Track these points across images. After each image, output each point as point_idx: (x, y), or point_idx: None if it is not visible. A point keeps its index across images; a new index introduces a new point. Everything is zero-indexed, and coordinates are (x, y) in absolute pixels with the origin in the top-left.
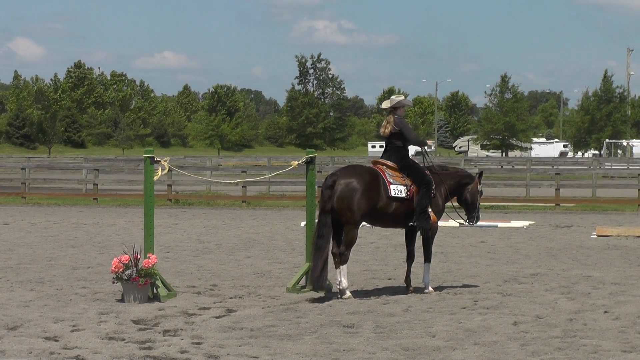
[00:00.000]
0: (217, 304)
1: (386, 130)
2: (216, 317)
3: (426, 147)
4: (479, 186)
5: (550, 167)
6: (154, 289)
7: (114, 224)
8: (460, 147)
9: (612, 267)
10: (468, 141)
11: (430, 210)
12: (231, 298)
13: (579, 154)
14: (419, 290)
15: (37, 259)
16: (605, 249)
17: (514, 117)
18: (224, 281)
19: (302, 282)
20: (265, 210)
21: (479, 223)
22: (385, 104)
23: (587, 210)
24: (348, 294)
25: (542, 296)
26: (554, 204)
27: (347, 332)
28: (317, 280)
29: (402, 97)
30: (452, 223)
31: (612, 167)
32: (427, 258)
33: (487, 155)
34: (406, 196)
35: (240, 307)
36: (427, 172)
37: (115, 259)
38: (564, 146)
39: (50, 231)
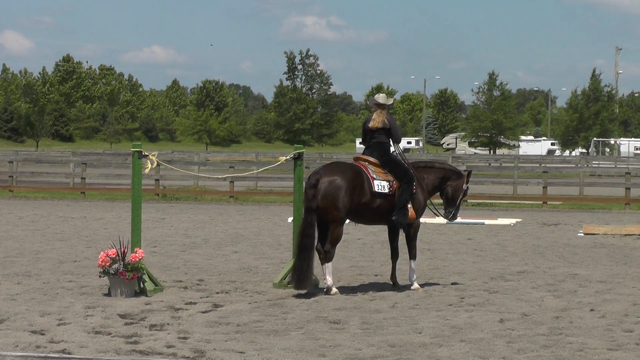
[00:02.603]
0: (204, 299)
1: (376, 124)
2: (203, 312)
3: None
4: (464, 185)
5: (538, 165)
6: (141, 284)
7: (101, 218)
8: (448, 145)
9: (598, 265)
10: (456, 138)
11: (409, 206)
12: (218, 293)
13: (567, 152)
14: (406, 288)
15: (24, 252)
16: (592, 247)
17: (501, 114)
18: (211, 276)
19: (289, 278)
20: (253, 206)
21: (462, 220)
22: (385, 100)
23: (574, 209)
24: (334, 290)
25: (529, 294)
26: (541, 202)
27: (334, 328)
28: (301, 279)
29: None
30: (440, 220)
31: (600, 166)
32: (412, 255)
33: (474, 153)
34: (389, 192)
35: (226, 302)
36: (410, 168)
37: (102, 253)
38: (552, 144)
39: (38, 225)
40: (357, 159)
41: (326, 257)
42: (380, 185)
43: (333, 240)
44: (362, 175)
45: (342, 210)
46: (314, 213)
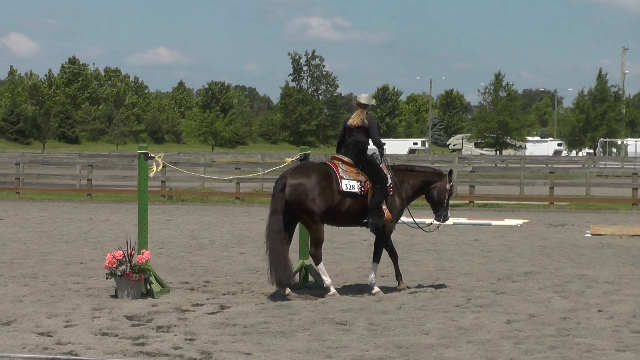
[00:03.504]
0: (210, 301)
1: (354, 122)
2: (209, 314)
3: (384, 148)
4: (448, 185)
5: (545, 165)
6: (148, 285)
7: (108, 219)
8: (454, 145)
9: (605, 266)
10: (462, 139)
11: (384, 207)
12: (224, 294)
13: (573, 152)
14: (412, 288)
15: (30, 254)
16: (599, 248)
17: (507, 115)
18: (217, 277)
19: (296, 279)
20: (259, 207)
21: (469, 221)
22: (367, 100)
23: (581, 209)
24: (333, 290)
25: (536, 295)
26: (548, 203)
27: (340, 329)
28: (279, 276)
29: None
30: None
31: (607, 166)
32: (376, 258)
33: (481, 154)
34: (359, 192)
35: (233, 303)
36: (386, 169)
37: (108, 254)
38: (558, 145)
39: (44, 226)
40: (332, 158)
41: (315, 260)
42: (349, 184)
43: (315, 242)
44: (331, 175)
45: (314, 213)
46: (279, 214)
